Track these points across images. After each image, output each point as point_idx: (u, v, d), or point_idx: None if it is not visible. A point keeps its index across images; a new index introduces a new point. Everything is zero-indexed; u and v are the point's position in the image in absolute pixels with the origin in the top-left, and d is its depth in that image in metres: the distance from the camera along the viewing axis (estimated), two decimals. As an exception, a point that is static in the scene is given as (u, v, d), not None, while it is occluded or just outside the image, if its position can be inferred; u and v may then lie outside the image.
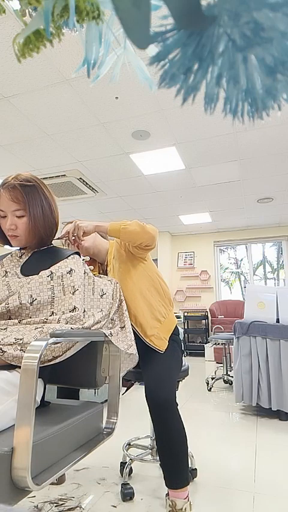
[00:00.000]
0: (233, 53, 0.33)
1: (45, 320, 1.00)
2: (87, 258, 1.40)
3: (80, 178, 4.73)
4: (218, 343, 4.97)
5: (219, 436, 2.37)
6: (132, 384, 3.87)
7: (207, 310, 7.30)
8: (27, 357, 0.80)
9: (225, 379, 4.01)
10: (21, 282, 1.09)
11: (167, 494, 1.34)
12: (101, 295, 1.18)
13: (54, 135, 3.66)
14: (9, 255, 1.21)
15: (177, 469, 1.31)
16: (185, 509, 1.28)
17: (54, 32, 0.41)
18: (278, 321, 2.92)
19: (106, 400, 1.21)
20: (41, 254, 1.20)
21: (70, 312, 1.03)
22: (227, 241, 7.81)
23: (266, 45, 0.32)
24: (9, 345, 0.92)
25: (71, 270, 1.12)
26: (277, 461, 1.95)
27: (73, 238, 1.39)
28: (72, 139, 3.76)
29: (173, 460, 1.30)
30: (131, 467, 1.74)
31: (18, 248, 1.23)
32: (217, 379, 3.94)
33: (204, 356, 6.44)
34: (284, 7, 0.30)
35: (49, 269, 1.11)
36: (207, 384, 3.88)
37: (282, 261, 7.71)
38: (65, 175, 4.61)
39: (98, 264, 1.65)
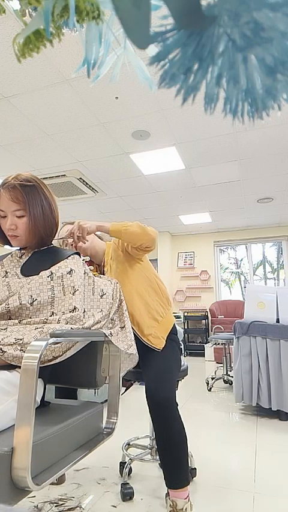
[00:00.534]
0: (233, 53, 0.33)
1: (45, 320, 1.00)
2: (87, 258, 1.40)
3: (80, 178, 4.73)
4: (218, 343, 4.97)
5: (219, 436, 2.37)
6: (132, 384, 3.87)
7: (207, 310, 7.30)
8: (27, 357, 0.80)
9: (225, 379, 4.01)
10: (22, 282, 1.09)
11: (167, 494, 1.34)
12: (101, 296, 1.18)
13: (54, 135, 3.66)
14: (9, 255, 1.21)
15: (177, 468, 1.31)
16: (186, 509, 1.28)
17: (54, 32, 0.41)
18: (278, 321, 2.92)
19: (106, 400, 1.21)
20: (41, 254, 1.20)
21: (70, 312, 1.03)
22: (227, 241, 7.81)
23: (266, 45, 0.32)
24: (9, 345, 0.92)
25: (71, 270, 1.12)
26: (277, 461, 1.95)
27: (77, 238, 1.40)
28: (72, 139, 3.76)
29: (173, 459, 1.30)
30: (130, 467, 1.74)
31: (18, 248, 1.23)
32: (217, 379, 3.94)
33: (204, 356, 6.44)
34: (284, 7, 0.30)
35: (49, 269, 1.11)
36: (207, 383, 3.88)
37: (282, 261, 7.71)
38: (65, 175, 4.61)
39: (96, 265, 1.66)
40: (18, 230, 1.15)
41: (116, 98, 3.04)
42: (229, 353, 4.11)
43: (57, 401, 1.18)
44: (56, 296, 1.06)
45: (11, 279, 1.12)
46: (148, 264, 1.64)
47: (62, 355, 0.97)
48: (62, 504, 1.51)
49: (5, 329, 0.98)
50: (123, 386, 3.96)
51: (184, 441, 1.34)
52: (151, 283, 1.58)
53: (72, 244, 1.46)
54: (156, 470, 1.85)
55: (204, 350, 6.47)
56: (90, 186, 5.01)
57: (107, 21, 0.42)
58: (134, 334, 1.38)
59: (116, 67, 0.48)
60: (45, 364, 0.95)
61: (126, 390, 3.64)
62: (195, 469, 1.78)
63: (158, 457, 1.36)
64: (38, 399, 1.04)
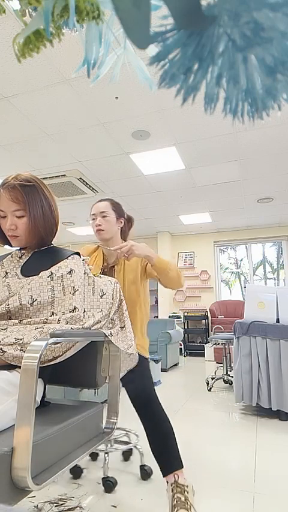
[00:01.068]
0: (233, 53, 0.33)
1: (45, 320, 1.00)
2: (88, 258, 1.40)
3: (80, 178, 4.73)
4: (218, 343, 4.97)
5: (219, 436, 2.37)
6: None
7: (207, 310, 7.30)
8: (27, 357, 0.80)
9: (225, 379, 4.01)
10: (22, 282, 1.09)
11: (167, 483, 1.39)
12: (101, 296, 1.18)
13: (54, 135, 3.66)
14: (9, 256, 1.21)
15: (171, 454, 1.42)
16: (188, 486, 1.34)
17: (54, 32, 0.41)
18: (278, 321, 2.92)
19: (106, 400, 1.21)
20: (41, 254, 1.20)
21: (70, 312, 1.03)
22: (227, 241, 7.81)
23: (266, 45, 0.32)
24: (9, 345, 0.92)
25: (71, 270, 1.12)
26: (277, 461, 1.95)
27: (123, 255, 1.52)
28: (72, 139, 3.76)
29: (167, 447, 1.41)
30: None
31: (18, 248, 1.23)
32: (217, 379, 3.94)
33: (204, 356, 6.44)
34: (284, 7, 0.30)
35: (49, 269, 1.11)
36: (207, 383, 3.88)
37: (282, 261, 7.72)
38: (65, 175, 4.61)
39: (104, 256, 1.74)
40: (18, 230, 1.15)
41: (116, 98, 3.04)
42: (229, 353, 4.11)
43: (57, 401, 1.18)
44: (56, 296, 1.06)
45: (11, 279, 1.12)
46: (148, 287, 1.78)
47: (62, 355, 0.97)
48: (62, 504, 1.51)
49: (5, 329, 0.98)
50: (122, 386, 3.97)
51: (171, 430, 1.45)
52: (146, 303, 1.71)
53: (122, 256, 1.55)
54: (156, 471, 1.85)
55: (204, 350, 6.47)
56: (90, 186, 5.01)
57: (107, 21, 0.42)
58: None
59: (116, 67, 0.48)
60: (45, 364, 0.95)
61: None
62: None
63: (153, 450, 1.45)
64: (38, 399, 1.04)
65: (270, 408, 2.72)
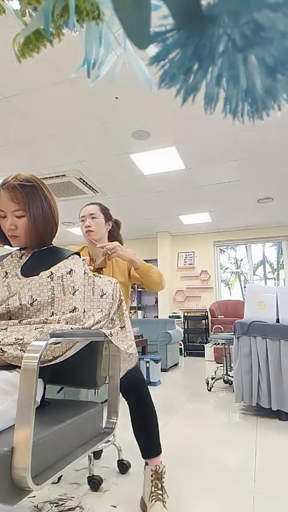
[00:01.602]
0: (233, 53, 0.33)
1: (45, 320, 1.00)
2: (88, 258, 1.41)
3: (80, 178, 4.73)
4: (218, 343, 4.97)
5: (219, 436, 2.37)
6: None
7: (207, 310, 7.30)
8: (27, 357, 0.80)
9: (225, 379, 4.01)
10: (22, 282, 1.09)
11: (146, 464, 1.50)
12: (101, 296, 1.18)
13: (54, 135, 3.66)
14: (9, 256, 1.21)
15: (154, 438, 1.53)
16: (164, 472, 1.48)
17: (54, 32, 0.41)
18: (278, 321, 2.92)
19: (106, 400, 1.21)
20: (41, 254, 1.20)
21: (70, 312, 1.03)
22: (227, 241, 7.81)
23: (266, 45, 0.32)
24: (9, 345, 0.92)
25: (71, 270, 1.12)
26: (277, 461, 1.95)
27: (106, 254, 1.61)
28: (72, 139, 3.76)
29: (151, 430, 1.53)
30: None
31: (18, 248, 1.23)
32: (217, 379, 3.94)
33: (204, 356, 6.45)
34: (284, 7, 0.30)
35: (49, 270, 1.11)
36: (207, 383, 3.88)
37: (282, 261, 7.72)
38: (65, 175, 4.61)
39: (91, 258, 1.80)
40: (18, 230, 1.15)
41: (116, 98, 3.04)
42: (229, 353, 4.11)
43: (57, 401, 1.18)
44: (56, 296, 1.06)
45: (11, 279, 1.12)
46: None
47: (62, 355, 0.97)
48: (62, 504, 1.51)
49: (5, 329, 0.98)
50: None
51: (156, 415, 1.56)
52: (128, 305, 1.76)
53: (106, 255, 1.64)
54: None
55: (204, 350, 6.47)
56: (90, 186, 5.01)
57: (107, 21, 0.42)
58: None
59: (116, 67, 0.48)
60: (45, 364, 0.95)
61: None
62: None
63: (137, 434, 1.54)
64: (38, 399, 1.04)
65: (270, 408, 2.72)
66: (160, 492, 1.42)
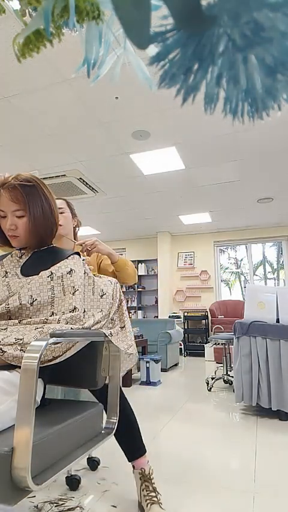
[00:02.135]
0: (233, 53, 0.33)
1: (45, 320, 1.00)
2: (88, 258, 1.41)
3: (80, 178, 4.73)
4: (218, 343, 4.97)
5: (219, 436, 2.37)
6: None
7: (207, 310, 7.30)
8: (27, 357, 0.80)
9: (225, 379, 4.01)
10: (21, 282, 1.09)
11: (133, 468, 1.50)
12: (101, 296, 1.18)
13: (54, 135, 3.66)
14: (9, 255, 1.21)
15: (137, 439, 1.53)
16: (151, 472, 1.49)
17: (54, 32, 0.41)
18: (278, 321, 2.92)
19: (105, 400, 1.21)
20: (41, 254, 1.20)
21: (70, 312, 1.03)
22: (227, 241, 7.81)
23: (266, 45, 0.32)
24: (9, 345, 0.92)
25: (71, 270, 1.12)
26: (277, 462, 1.95)
27: (85, 250, 1.63)
28: (72, 139, 3.76)
29: (134, 433, 1.53)
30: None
31: (18, 248, 1.23)
32: (217, 379, 3.94)
33: (204, 356, 6.45)
34: (284, 7, 0.30)
35: (49, 269, 1.11)
36: (207, 383, 3.88)
37: (282, 261, 7.71)
38: (65, 175, 4.61)
39: None
40: (18, 230, 1.15)
41: (116, 98, 3.04)
42: (229, 353, 4.11)
43: (57, 401, 1.18)
44: (56, 296, 1.06)
45: (11, 279, 1.12)
46: None
47: (62, 355, 0.97)
48: (62, 504, 1.51)
49: (5, 329, 0.98)
50: (124, 386, 3.96)
51: (134, 416, 1.57)
52: None
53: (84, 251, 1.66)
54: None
55: (204, 350, 6.47)
56: (90, 186, 5.01)
57: (107, 21, 0.42)
58: None
59: (116, 67, 0.48)
60: (45, 364, 0.95)
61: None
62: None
63: (120, 440, 1.54)
64: (38, 399, 1.04)
65: (270, 408, 2.72)
66: (153, 494, 1.42)
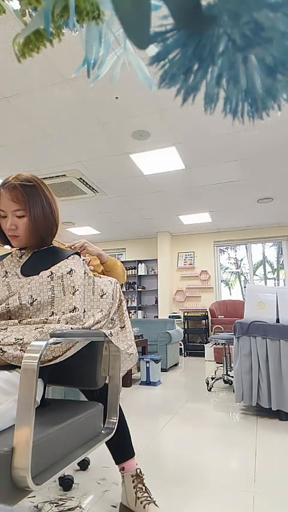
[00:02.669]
0: (233, 53, 0.33)
1: (45, 320, 1.00)
2: (88, 258, 1.41)
3: (80, 178, 4.73)
4: (218, 343, 4.97)
5: (219, 436, 2.37)
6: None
7: (207, 310, 7.30)
8: (27, 357, 0.80)
9: (225, 379, 4.01)
10: (22, 282, 1.09)
11: (122, 470, 1.47)
12: (101, 295, 1.18)
13: (54, 135, 3.66)
14: (10, 255, 1.21)
15: (127, 441, 1.51)
16: (141, 473, 1.47)
17: (54, 32, 0.41)
18: (278, 321, 2.92)
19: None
20: (41, 254, 1.20)
21: (70, 312, 1.03)
22: (227, 241, 7.81)
23: (266, 45, 0.32)
24: (9, 345, 0.92)
25: (71, 270, 1.12)
26: (277, 462, 1.95)
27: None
28: (72, 139, 3.76)
29: (124, 435, 1.50)
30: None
31: (18, 248, 1.23)
32: (217, 379, 3.94)
33: (204, 356, 6.45)
34: (284, 7, 0.30)
35: (49, 269, 1.11)
36: (207, 383, 3.88)
37: (282, 261, 7.72)
38: (65, 175, 4.62)
39: None
40: (19, 230, 1.15)
41: (116, 98, 3.04)
42: (229, 353, 4.11)
43: (57, 401, 1.18)
44: (56, 296, 1.06)
45: (11, 279, 1.12)
46: None
47: (62, 355, 0.97)
48: (62, 504, 1.51)
49: (5, 329, 0.98)
50: (125, 386, 3.97)
51: (124, 418, 1.53)
52: None
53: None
54: (152, 474, 1.85)
55: (204, 350, 6.47)
56: (90, 186, 5.01)
57: (107, 21, 0.42)
58: None
59: (116, 67, 0.48)
60: (45, 364, 0.95)
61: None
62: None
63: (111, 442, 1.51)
64: (38, 399, 1.04)
65: (270, 408, 2.72)
66: (147, 495, 1.41)
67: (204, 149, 3.99)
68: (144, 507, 1.38)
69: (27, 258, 1.19)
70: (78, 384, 1.22)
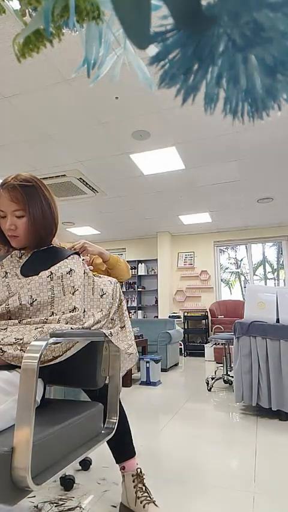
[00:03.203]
0: (233, 53, 0.33)
1: (45, 320, 1.00)
2: (87, 258, 1.41)
3: (80, 178, 4.73)
4: (218, 343, 4.97)
5: (219, 436, 2.37)
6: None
7: (207, 310, 7.30)
8: (27, 357, 0.80)
9: (225, 379, 4.01)
10: (21, 282, 1.09)
11: (123, 469, 1.46)
12: (101, 295, 1.18)
13: (54, 135, 3.66)
14: (9, 256, 1.21)
15: (129, 440, 1.51)
16: (142, 473, 1.48)
17: (54, 32, 0.41)
18: (278, 321, 2.92)
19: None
20: (40, 254, 1.20)
21: (70, 312, 1.03)
22: (227, 241, 7.81)
23: (266, 45, 0.32)
24: (9, 344, 0.92)
25: (71, 270, 1.12)
26: (277, 462, 1.95)
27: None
28: (72, 139, 3.76)
29: (125, 434, 1.51)
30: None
31: (18, 248, 1.23)
32: (217, 379, 3.94)
33: (204, 356, 6.45)
34: (284, 7, 0.30)
35: (49, 269, 1.11)
36: (207, 383, 3.88)
37: (282, 261, 7.72)
38: (65, 175, 4.61)
39: None
40: (18, 230, 1.15)
41: (116, 98, 3.04)
42: (229, 353, 4.11)
43: (57, 401, 1.18)
44: (56, 296, 1.06)
45: (10, 279, 1.12)
46: None
47: (62, 355, 0.97)
48: (62, 504, 1.51)
49: (5, 329, 0.98)
50: (125, 386, 3.97)
51: (126, 418, 1.54)
52: None
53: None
54: (152, 474, 1.85)
55: (204, 350, 6.47)
56: (90, 186, 5.01)
57: (107, 21, 0.42)
58: None
59: (116, 67, 0.48)
60: (45, 364, 0.95)
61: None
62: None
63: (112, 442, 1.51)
64: (38, 399, 1.04)
65: (270, 408, 2.72)
66: (147, 494, 1.42)
67: (204, 149, 3.99)
68: (144, 507, 1.38)
69: (26, 258, 1.19)
70: (78, 384, 1.22)
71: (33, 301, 1.04)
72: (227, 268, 13.27)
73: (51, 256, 1.18)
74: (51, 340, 0.85)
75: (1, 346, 0.91)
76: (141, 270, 8.03)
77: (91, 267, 1.40)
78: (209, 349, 6.27)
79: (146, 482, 1.46)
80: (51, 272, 1.10)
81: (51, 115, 3.30)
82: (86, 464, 1.87)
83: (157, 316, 7.58)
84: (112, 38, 0.45)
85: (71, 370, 1.20)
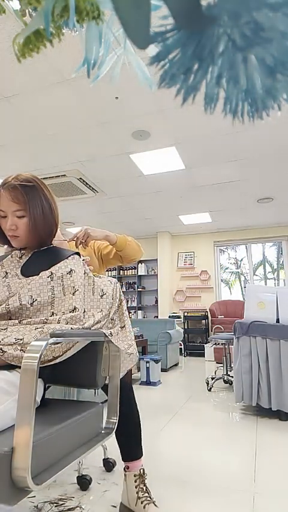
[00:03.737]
0: (233, 53, 0.33)
1: (45, 320, 1.00)
2: (88, 258, 1.41)
3: (80, 178, 4.73)
4: (218, 343, 4.97)
5: (219, 436, 2.37)
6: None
7: (207, 310, 7.30)
8: (27, 357, 0.80)
9: (225, 379, 4.01)
10: (22, 282, 1.09)
11: (127, 468, 1.47)
12: (101, 295, 1.18)
13: (54, 135, 3.66)
14: (10, 256, 1.21)
15: (139, 441, 1.51)
16: (144, 473, 1.48)
17: (54, 32, 0.41)
18: (278, 321, 2.92)
19: (106, 400, 1.21)
20: (41, 254, 1.20)
21: (70, 312, 1.03)
22: (227, 241, 7.81)
23: (266, 45, 0.32)
24: (9, 345, 0.92)
25: (71, 270, 1.12)
26: (277, 461, 1.95)
27: (79, 243, 1.55)
28: (72, 139, 3.76)
29: (136, 435, 1.51)
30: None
31: (18, 248, 1.23)
32: (217, 379, 3.94)
33: (204, 356, 6.44)
34: (284, 7, 0.30)
35: (49, 270, 1.11)
36: (207, 383, 3.88)
37: (282, 261, 7.72)
38: (65, 175, 4.61)
39: None
40: (19, 230, 1.15)
41: (116, 98, 3.04)
42: (229, 353, 4.11)
43: (57, 401, 1.18)
44: (56, 296, 1.06)
45: (11, 279, 1.12)
46: None
47: (62, 355, 0.97)
48: (62, 504, 1.51)
49: (5, 329, 0.98)
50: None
51: (139, 419, 1.55)
52: None
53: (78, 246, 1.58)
54: (152, 474, 1.85)
55: (204, 350, 6.47)
56: (90, 186, 5.01)
57: (107, 21, 0.42)
58: None
59: (116, 67, 0.48)
60: (45, 364, 0.95)
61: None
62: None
63: (121, 438, 1.52)
64: (38, 399, 1.04)
65: (270, 408, 2.72)
66: (147, 495, 1.42)
67: (204, 149, 3.99)
68: (144, 507, 1.38)
69: (27, 258, 1.19)
70: (79, 384, 1.22)
71: (33, 301, 1.04)
72: (227, 268, 13.28)
73: (51, 256, 1.18)
74: (51, 340, 0.85)
75: (1, 346, 0.91)
76: (141, 270, 8.03)
77: (91, 267, 1.40)
78: (209, 349, 6.27)
79: (146, 482, 1.47)
80: (51, 272, 1.10)
81: (51, 115, 3.30)
82: (109, 466, 1.88)
83: (157, 316, 7.58)
84: (112, 38, 0.45)
85: (71, 370, 1.20)
